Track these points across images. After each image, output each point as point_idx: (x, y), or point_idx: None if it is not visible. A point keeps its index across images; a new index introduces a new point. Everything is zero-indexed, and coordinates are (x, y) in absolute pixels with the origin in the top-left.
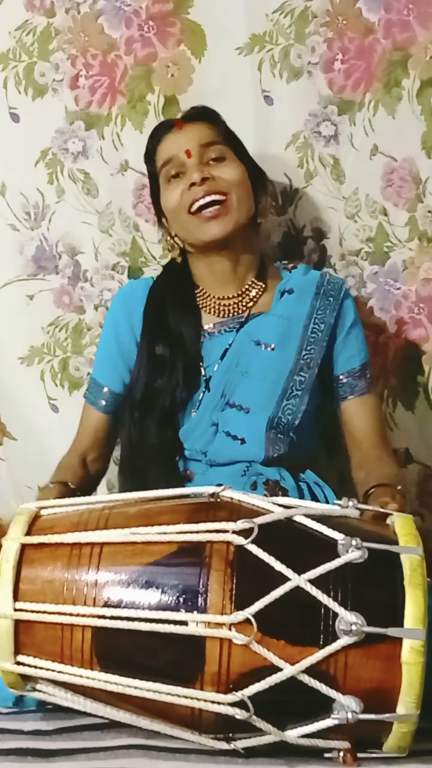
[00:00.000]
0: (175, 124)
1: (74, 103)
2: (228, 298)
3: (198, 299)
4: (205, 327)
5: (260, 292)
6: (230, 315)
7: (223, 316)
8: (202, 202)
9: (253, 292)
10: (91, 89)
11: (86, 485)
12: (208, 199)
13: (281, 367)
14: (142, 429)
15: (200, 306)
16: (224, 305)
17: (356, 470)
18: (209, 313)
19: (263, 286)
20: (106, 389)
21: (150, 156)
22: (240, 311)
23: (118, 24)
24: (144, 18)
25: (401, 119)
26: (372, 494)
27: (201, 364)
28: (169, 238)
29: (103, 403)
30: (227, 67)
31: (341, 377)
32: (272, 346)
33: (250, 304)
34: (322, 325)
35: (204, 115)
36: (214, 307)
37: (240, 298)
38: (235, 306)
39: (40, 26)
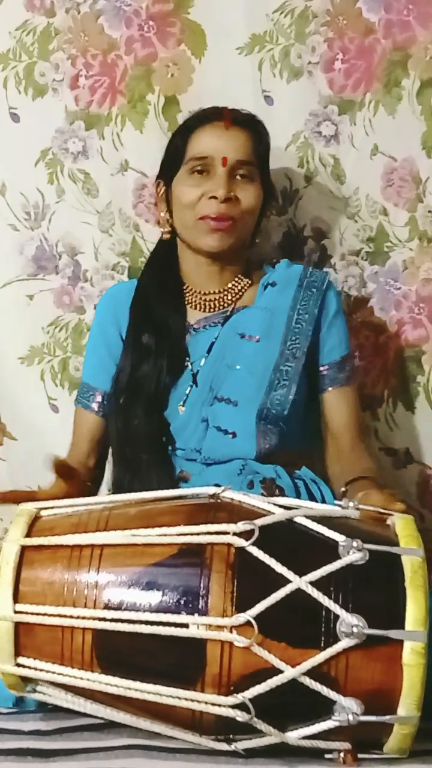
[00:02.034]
0: (224, 118)
1: (74, 103)
2: (213, 293)
3: (184, 294)
4: (191, 322)
5: (245, 287)
6: (215, 310)
7: (208, 311)
8: (213, 220)
9: (238, 287)
10: (91, 89)
11: (89, 492)
12: (221, 220)
13: (267, 358)
14: (128, 415)
15: (186, 302)
16: (209, 300)
17: (331, 462)
18: (194, 308)
19: (249, 282)
20: (98, 392)
21: (184, 134)
22: (225, 305)
23: (118, 24)
24: (144, 18)
25: (401, 119)
26: (351, 487)
27: (188, 360)
28: (163, 213)
29: (96, 406)
30: (227, 67)
31: (321, 368)
32: (257, 337)
33: (235, 298)
34: (306, 316)
35: (254, 127)
36: (199, 302)
37: (225, 293)
38: (220, 300)
39: (40, 26)
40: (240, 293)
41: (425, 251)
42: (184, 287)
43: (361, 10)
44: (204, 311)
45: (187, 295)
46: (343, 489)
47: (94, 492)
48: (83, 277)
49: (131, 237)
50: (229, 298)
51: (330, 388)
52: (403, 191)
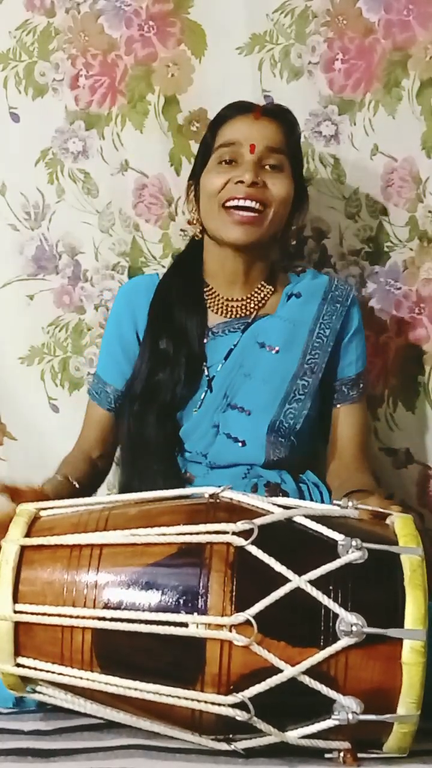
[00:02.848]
0: (254, 111)
1: (74, 102)
2: (236, 300)
3: (206, 298)
4: (210, 326)
5: (269, 295)
6: (237, 316)
7: (230, 317)
8: (240, 203)
9: (262, 295)
10: (91, 89)
11: (90, 482)
12: (247, 203)
13: (285, 370)
14: (141, 423)
15: (207, 305)
16: (232, 306)
17: (332, 477)
18: (216, 312)
19: (272, 289)
20: (110, 387)
21: (214, 127)
22: (247, 313)
23: (118, 24)
24: (144, 18)
25: (401, 119)
26: (350, 498)
27: (204, 363)
28: (193, 211)
29: (107, 400)
30: (227, 67)
31: (335, 384)
32: (276, 348)
33: (258, 306)
34: (327, 331)
35: (284, 117)
36: (221, 307)
37: (248, 300)
38: (242, 307)
39: (40, 26)
40: (263, 301)
41: (425, 251)
42: (208, 289)
43: (361, 10)
44: (225, 316)
45: (209, 298)
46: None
47: (87, 491)
48: (83, 277)
49: (131, 237)
50: (252, 305)
51: (339, 405)
52: (403, 191)
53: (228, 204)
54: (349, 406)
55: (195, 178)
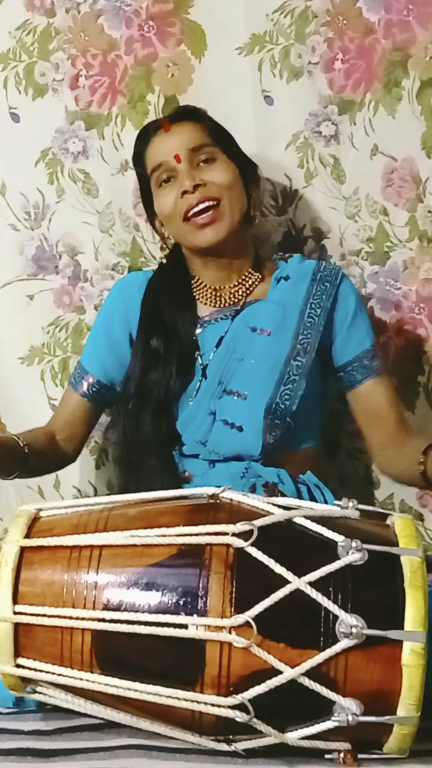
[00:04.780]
0: (162, 126)
1: (74, 103)
2: (224, 288)
3: (194, 290)
4: (201, 316)
5: (256, 282)
6: (226, 305)
7: (219, 306)
8: (196, 209)
9: (249, 282)
10: (91, 89)
11: (44, 457)
12: (201, 206)
13: (278, 352)
14: (137, 421)
15: (196, 296)
16: (220, 296)
17: (383, 450)
18: (205, 303)
19: (259, 276)
20: (89, 376)
21: (139, 158)
22: (236, 300)
23: (118, 24)
24: (144, 18)
25: (401, 119)
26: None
27: (198, 353)
28: (160, 238)
29: (84, 388)
30: (227, 67)
31: (356, 361)
32: (268, 331)
33: (246, 293)
34: (319, 310)
35: (191, 115)
36: (210, 297)
37: (236, 289)
38: (231, 296)
39: (40, 26)
40: (251, 288)
41: (425, 251)
42: (195, 281)
43: (361, 10)
44: (215, 306)
45: (198, 289)
46: (421, 459)
47: (38, 465)
48: (83, 277)
49: (131, 237)
50: (240, 293)
51: (368, 379)
52: (403, 191)
53: (188, 216)
54: (376, 379)
55: (150, 209)
